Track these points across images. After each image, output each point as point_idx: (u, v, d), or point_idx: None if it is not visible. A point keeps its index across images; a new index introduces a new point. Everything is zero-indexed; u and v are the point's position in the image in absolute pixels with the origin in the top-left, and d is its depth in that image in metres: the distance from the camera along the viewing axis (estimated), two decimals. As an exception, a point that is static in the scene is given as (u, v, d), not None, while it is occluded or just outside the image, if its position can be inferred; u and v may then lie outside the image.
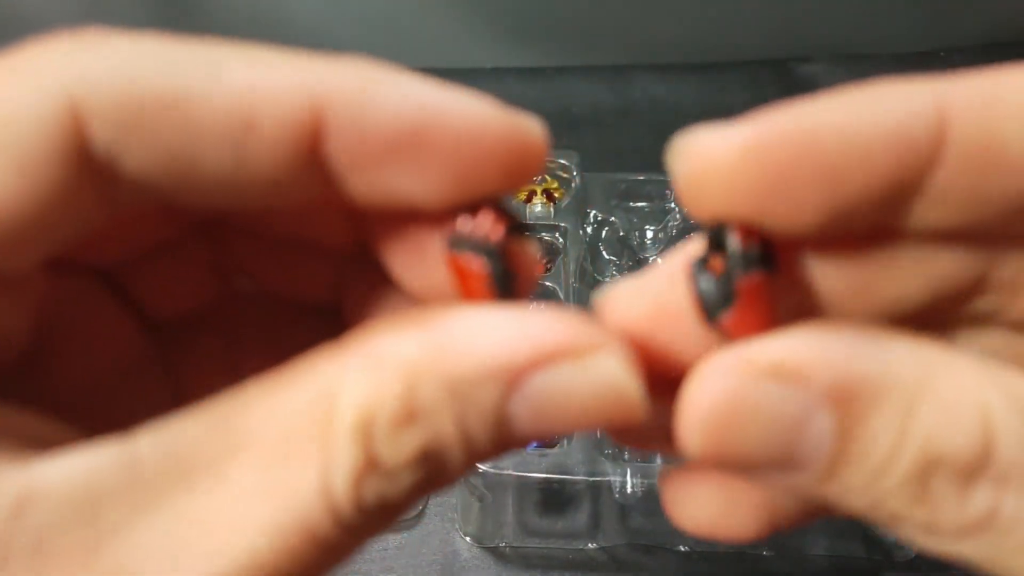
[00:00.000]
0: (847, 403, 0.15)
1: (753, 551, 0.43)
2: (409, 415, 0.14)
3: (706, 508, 0.19)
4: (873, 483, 0.15)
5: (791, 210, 0.16)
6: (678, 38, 0.68)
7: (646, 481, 0.40)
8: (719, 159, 0.16)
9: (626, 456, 0.42)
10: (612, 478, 0.40)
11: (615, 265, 0.52)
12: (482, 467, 0.39)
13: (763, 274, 0.16)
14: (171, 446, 0.14)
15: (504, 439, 0.15)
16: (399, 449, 0.14)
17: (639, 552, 0.44)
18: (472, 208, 0.16)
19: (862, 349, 0.15)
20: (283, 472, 0.14)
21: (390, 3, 0.66)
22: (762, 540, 0.40)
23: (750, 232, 0.17)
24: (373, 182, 0.16)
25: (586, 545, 0.44)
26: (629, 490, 0.40)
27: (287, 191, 0.16)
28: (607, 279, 0.51)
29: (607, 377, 0.15)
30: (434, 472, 0.15)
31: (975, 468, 0.15)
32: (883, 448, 0.15)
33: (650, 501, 0.41)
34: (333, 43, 0.69)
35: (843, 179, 0.16)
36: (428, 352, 0.14)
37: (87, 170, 0.14)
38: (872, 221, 0.17)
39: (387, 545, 0.45)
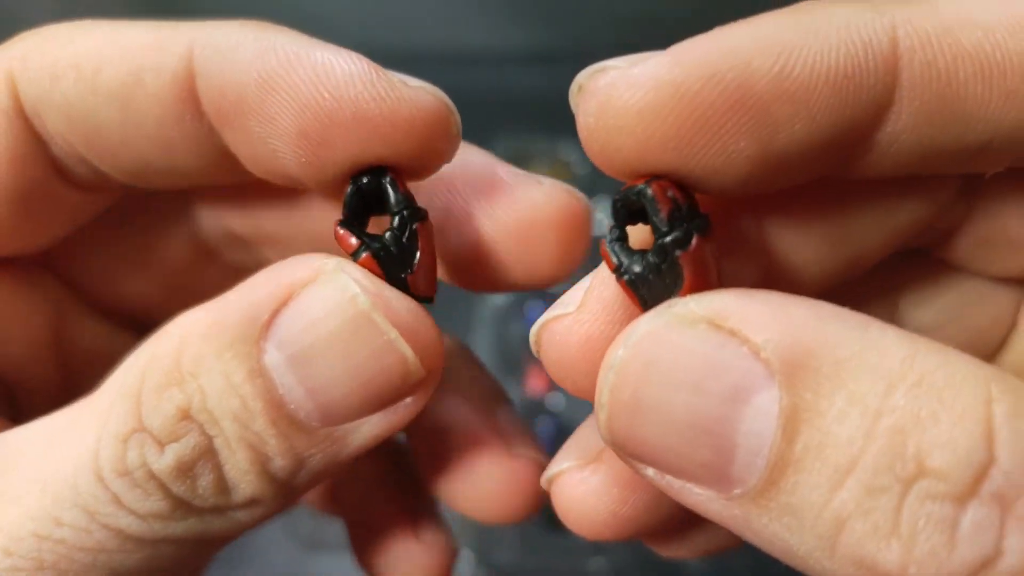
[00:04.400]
0: (802, 373, 0.11)
1: (768, 570, 0.41)
2: (177, 375, 0.14)
3: (598, 505, 0.17)
4: (831, 497, 0.11)
5: (714, 158, 0.13)
6: (687, 20, 0.66)
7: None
8: (634, 98, 0.13)
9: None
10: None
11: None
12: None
13: (702, 239, 0.13)
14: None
15: (277, 412, 0.14)
16: (161, 409, 0.14)
17: (645, 569, 0.43)
18: (361, 181, 0.16)
19: (851, 316, 0.12)
20: (66, 437, 0.14)
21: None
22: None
23: (675, 188, 0.13)
24: (240, 135, 0.16)
25: (590, 561, 0.43)
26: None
27: (179, 149, 0.17)
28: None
29: (339, 291, 0.14)
30: (206, 448, 0.14)
31: (969, 482, 0.10)
32: (846, 437, 0.11)
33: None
34: (324, 26, 0.66)
35: (780, 124, 0.13)
36: (207, 312, 0.15)
37: (23, 127, 0.17)
38: (810, 173, 0.14)
39: (380, 559, 0.43)
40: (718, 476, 0.12)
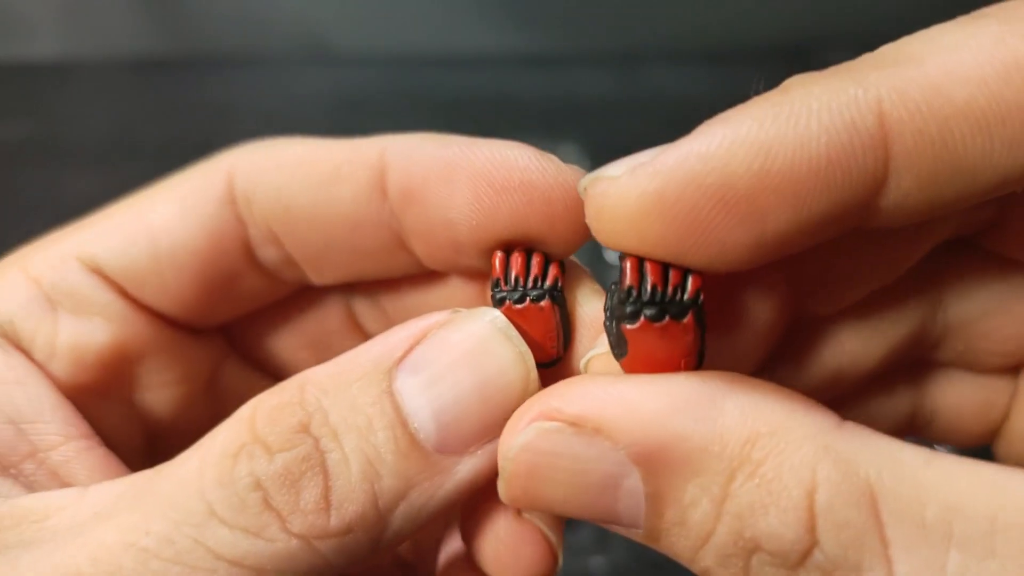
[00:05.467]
0: (657, 465, 0.14)
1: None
2: (298, 401, 0.16)
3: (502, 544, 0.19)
4: (695, 555, 0.14)
5: (709, 250, 0.15)
6: (689, 23, 0.66)
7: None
8: (625, 205, 0.15)
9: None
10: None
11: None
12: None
13: (649, 321, 0.15)
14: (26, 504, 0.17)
15: (401, 429, 0.15)
16: (278, 422, 0.15)
17: (646, 568, 0.43)
18: (509, 250, 0.18)
19: (698, 405, 0.14)
20: (171, 465, 0.16)
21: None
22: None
23: (655, 268, 0.15)
24: (421, 210, 0.19)
25: (590, 561, 0.43)
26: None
27: (361, 228, 0.20)
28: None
29: (480, 316, 0.16)
30: (318, 462, 0.15)
31: (797, 558, 0.13)
32: (699, 519, 0.14)
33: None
34: (325, 29, 0.67)
35: (768, 214, 0.14)
36: (334, 362, 0.16)
37: (231, 211, 0.20)
38: (815, 241, 0.15)
39: (381, 559, 0.43)
40: (614, 525, 0.15)
